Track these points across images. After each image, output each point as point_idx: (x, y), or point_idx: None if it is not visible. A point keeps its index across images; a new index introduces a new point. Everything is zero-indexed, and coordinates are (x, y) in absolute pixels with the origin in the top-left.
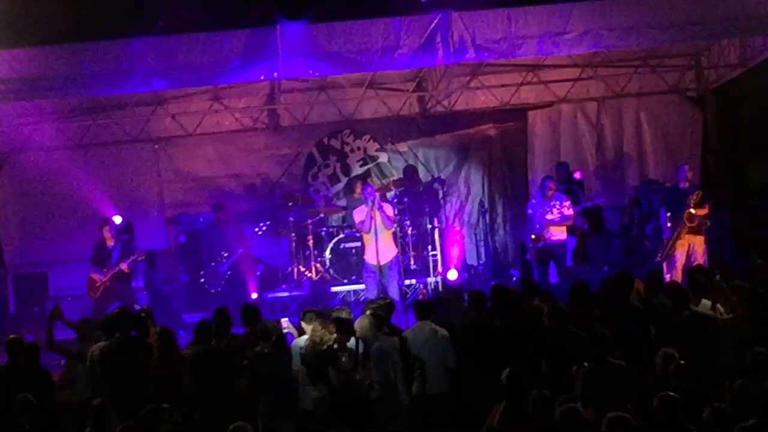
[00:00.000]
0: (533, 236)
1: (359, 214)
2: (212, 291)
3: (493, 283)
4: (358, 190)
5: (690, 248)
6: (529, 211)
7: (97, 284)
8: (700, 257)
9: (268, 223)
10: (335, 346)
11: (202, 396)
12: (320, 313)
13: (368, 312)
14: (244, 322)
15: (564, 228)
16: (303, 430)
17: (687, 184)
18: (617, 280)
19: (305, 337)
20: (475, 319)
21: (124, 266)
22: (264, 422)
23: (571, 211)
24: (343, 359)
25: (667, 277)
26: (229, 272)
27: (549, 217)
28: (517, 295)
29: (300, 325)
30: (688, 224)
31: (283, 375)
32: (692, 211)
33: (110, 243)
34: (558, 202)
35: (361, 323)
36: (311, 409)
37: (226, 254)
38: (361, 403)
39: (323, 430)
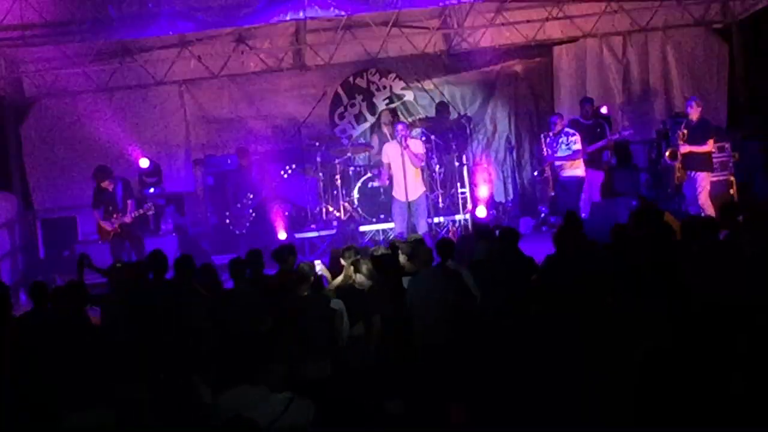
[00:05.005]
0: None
1: (390, 149)
2: (237, 233)
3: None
4: (389, 126)
5: (693, 183)
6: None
7: (107, 230)
8: (706, 192)
9: (294, 165)
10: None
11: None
12: (360, 251)
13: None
14: (278, 261)
15: (579, 163)
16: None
17: (695, 118)
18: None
19: (340, 277)
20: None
21: (127, 219)
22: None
23: (578, 146)
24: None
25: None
26: (253, 214)
27: (559, 154)
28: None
29: (340, 263)
30: (673, 162)
31: (322, 318)
32: (678, 151)
33: (109, 187)
34: (566, 138)
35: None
36: (345, 347)
37: (251, 196)
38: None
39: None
